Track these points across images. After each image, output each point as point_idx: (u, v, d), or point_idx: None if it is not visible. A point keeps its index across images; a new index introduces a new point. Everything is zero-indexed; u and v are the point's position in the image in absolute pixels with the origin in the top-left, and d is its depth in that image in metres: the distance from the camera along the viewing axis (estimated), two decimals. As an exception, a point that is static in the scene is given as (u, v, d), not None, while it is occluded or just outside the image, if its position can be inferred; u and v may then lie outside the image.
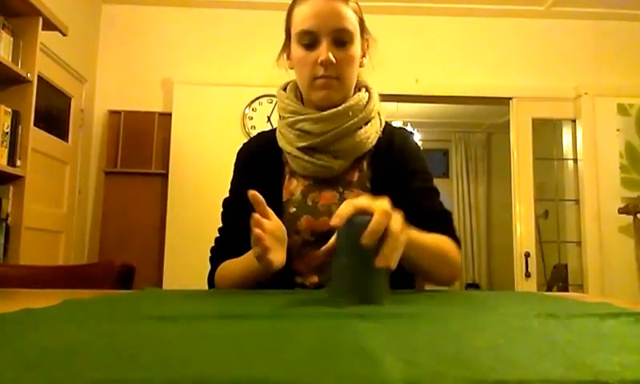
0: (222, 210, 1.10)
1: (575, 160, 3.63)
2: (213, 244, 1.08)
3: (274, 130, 1.11)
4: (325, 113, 0.99)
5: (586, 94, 3.54)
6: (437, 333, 0.46)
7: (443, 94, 3.69)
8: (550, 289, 3.86)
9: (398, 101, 3.92)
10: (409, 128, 5.42)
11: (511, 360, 0.34)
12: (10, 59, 2.23)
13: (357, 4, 1.02)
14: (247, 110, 3.47)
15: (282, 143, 1.06)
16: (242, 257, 0.94)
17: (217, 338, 0.43)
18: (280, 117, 1.07)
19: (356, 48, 1.00)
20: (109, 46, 3.59)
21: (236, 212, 1.05)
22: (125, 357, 0.35)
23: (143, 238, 3.34)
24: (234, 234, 1.03)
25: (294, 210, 1.02)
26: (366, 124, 1.03)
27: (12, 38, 2.27)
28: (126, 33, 3.61)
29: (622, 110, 3.55)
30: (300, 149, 1.01)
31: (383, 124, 1.09)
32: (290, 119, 1.03)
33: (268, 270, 0.83)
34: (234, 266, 0.98)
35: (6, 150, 2.18)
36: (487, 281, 6.46)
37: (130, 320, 0.52)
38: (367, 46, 1.07)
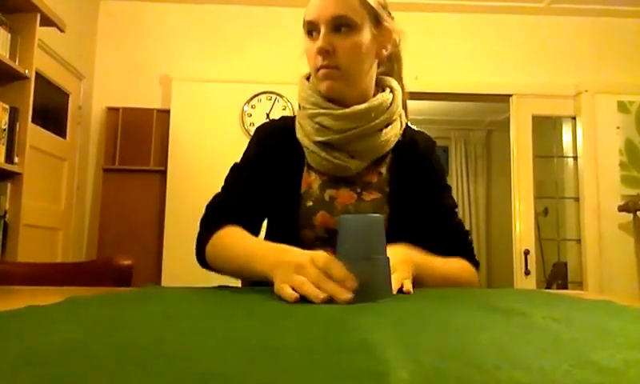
0: (229, 173, 1.06)
1: (575, 157, 3.63)
2: (209, 202, 1.03)
3: (293, 118, 1.08)
4: (347, 110, 0.96)
5: (586, 91, 3.53)
6: (440, 329, 0.45)
7: (443, 91, 3.68)
8: (549, 286, 3.86)
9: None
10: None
11: (515, 357, 0.33)
12: (8, 56, 2.22)
13: None
14: (246, 107, 3.46)
15: (299, 135, 1.03)
16: (252, 244, 0.86)
17: (220, 335, 0.43)
18: (300, 107, 1.04)
19: (360, 36, 0.95)
20: (107, 42, 3.58)
21: (247, 181, 1.02)
22: (128, 357, 0.34)
23: (142, 234, 3.33)
24: (239, 198, 1.00)
25: (311, 203, 1.00)
26: (387, 126, 1.00)
27: (10, 34, 2.26)
28: (124, 29, 3.60)
29: (622, 107, 3.55)
30: (317, 143, 0.99)
31: (404, 126, 1.06)
32: (311, 111, 1.00)
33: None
34: (241, 248, 0.86)
35: (4, 147, 2.17)
36: (486, 278, 6.46)
37: (133, 319, 0.52)
38: (389, 38, 1.02)
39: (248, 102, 3.46)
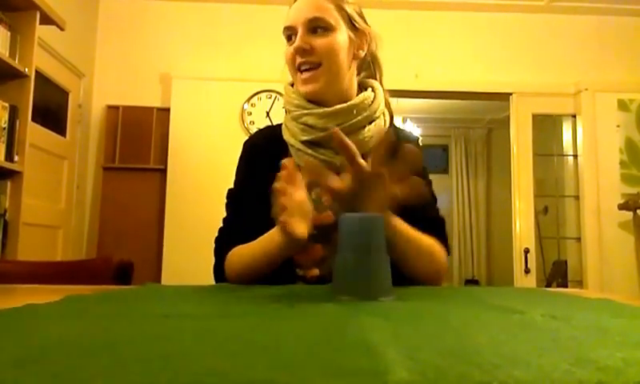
0: (226, 200, 1.10)
1: (575, 156, 3.63)
2: (217, 235, 1.08)
3: (280, 125, 1.13)
4: (329, 109, 1.00)
5: (586, 89, 3.53)
6: (440, 328, 0.45)
7: (443, 89, 3.68)
8: (549, 285, 3.86)
9: (397, 96, 3.89)
10: (409, 125, 5.42)
11: (514, 356, 0.33)
12: (8, 54, 2.22)
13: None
14: (246, 106, 3.46)
15: (286, 136, 1.07)
16: (256, 240, 0.95)
17: (219, 335, 0.43)
18: (286, 111, 1.09)
19: (337, 36, 1.00)
20: (107, 40, 3.57)
21: (242, 203, 1.07)
22: (126, 354, 0.34)
23: (142, 233, 3.33)
24: (241, 225, 1.04)
25: None
26: (370, 123, 1.04)
27: (9, 33, 2.26)
28: (123, 27, 3.60)
29: (623, 105, 3.54)
30: (303, 142, 1.03)
31: (388, 124, 1.09)
32: (295, 112, 1.04)
33: (290, 244, 0.84)
34: (248, 249, 0.97)
35: (4, 146, 2.17)
36: (487, 277, 6.46)
37: (132, 317, 0.52)
38: (366, 41, 1.07)
39: (248, 100, 3.46)
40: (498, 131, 6.22)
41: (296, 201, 0.82)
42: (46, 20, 2.45)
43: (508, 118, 3.70)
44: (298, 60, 0.99)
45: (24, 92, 2.30)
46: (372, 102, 1.04)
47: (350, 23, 1.03)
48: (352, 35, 1.03)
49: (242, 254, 0.99)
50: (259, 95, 3.47)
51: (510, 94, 3.61)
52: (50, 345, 0.37)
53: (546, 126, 3.80)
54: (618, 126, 3.53)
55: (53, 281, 1.27)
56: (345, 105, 1.01)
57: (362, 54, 1.07)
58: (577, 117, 3.60)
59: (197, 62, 3.51)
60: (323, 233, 1.01)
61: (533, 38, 3.68)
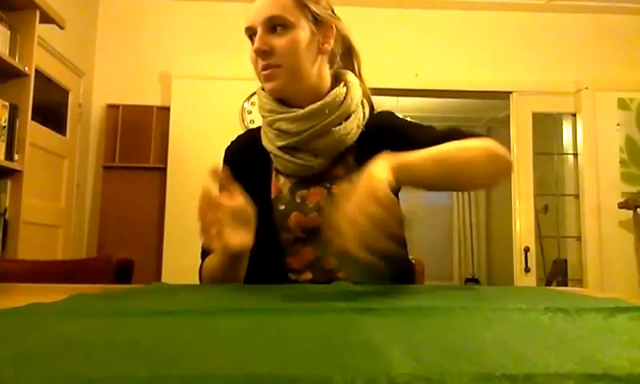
0: None
1: (575, 154, 3.63)
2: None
3: (260, 128, 1.11)
4: (300, 112, 0.98)
5: (586, 88, 3.53)
6: (443, 327, 0.45)
7: (443, 88, 3.67)
8: (549, 283, 3.87)
9: (397, 95, 3.90)
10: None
11: (519, 355, 0.33)
12: (8, 53, 2.22)
13: None
14: (246, 104, 3.46)
15: (264, 142, 1.05)
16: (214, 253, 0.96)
17: (223, 332, 0.43)
18: (262, 116, 1.07)
19: (296, 33, 0.96)
20: (107, 39, 3.57)
21: None
22: (131, 352, 0.34)
23: (142, 232, 3.33)
24: None
25: (283, 207, 1.02)
26: (346, 119, 1.01)
27: (9, 32, 2.25)
28: (123, 26, 3.59)
29: (623, 104, 3.54)
30: (280, 148, 1.01)
31: (367, 117, 1.06)
32: (269, 118, 1.02)
33: (232, 254, 0.84)
34: (212, 258, 0.98)
35: (4, 144, 2.17)
36: (487, 275, 6.47)
37: (137, 315, 0.52)
38: (332, 34, 1.02)
39: (248, 99, 3.46)
40: (498, 130, 6.21)
41: (230, 210, 0.80)
42: (46, 19, 2.44)
43: (508, 116, 3.70)
44: (260, 62, 0.97)
45: (24, 91, 2.30)
46: (345, 97, 1.01)
47: (313, 17, 0.99)
48: (315, 29, 0.99)
49: (209, 264, 0.99)
50: (259, 94, 3.47)
51: (510, 92, 3.61)
52: (54, 344, 0.37)
53: (546, 125, 3.80)
54: (618, 125, 3.53)
55: (53, 280, 1.27)
56: (315, 106, 0.98)
57: (328, 47, 1.03)
58: (577, 115, 3.60)
59: (197, 61, 3.50)
60: (311, 235, 1.00)
61: (533, 37, 3.67)
